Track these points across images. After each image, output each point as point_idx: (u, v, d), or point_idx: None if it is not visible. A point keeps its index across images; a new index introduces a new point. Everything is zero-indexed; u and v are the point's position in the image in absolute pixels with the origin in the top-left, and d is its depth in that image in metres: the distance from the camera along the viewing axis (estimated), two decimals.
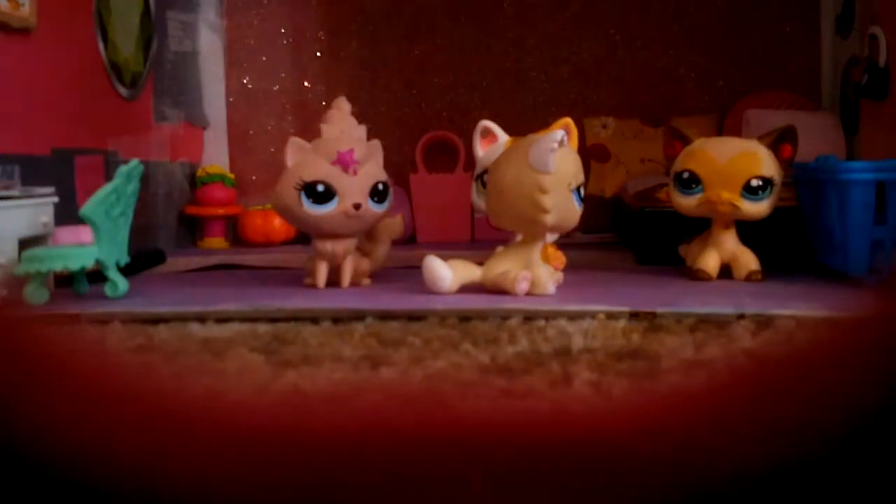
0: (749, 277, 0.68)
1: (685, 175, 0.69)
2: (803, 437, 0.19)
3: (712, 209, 0.68)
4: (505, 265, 0.61)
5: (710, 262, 0.69)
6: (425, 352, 0.45)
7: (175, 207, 1.03)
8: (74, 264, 0.61)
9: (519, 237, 0.64)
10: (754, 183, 0.67)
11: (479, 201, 0.70)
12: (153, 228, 0.97)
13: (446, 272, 0.60)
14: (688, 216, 0.71)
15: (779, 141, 0.69)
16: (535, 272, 0.61)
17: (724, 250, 0.70)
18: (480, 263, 0.62)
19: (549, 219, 0.59)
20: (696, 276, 0.69)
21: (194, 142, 1.11)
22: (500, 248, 0.62)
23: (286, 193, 0.66)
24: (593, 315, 0.54)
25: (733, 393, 0.20)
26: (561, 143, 0.58)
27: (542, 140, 0.57)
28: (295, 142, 0.67)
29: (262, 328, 0.53)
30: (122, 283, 0.63)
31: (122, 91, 0.91)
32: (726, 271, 0.70)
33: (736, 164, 0.67)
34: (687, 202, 0.70)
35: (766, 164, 0.67)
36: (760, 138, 0.70)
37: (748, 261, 0.69)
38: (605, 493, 0.18)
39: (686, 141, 0.71)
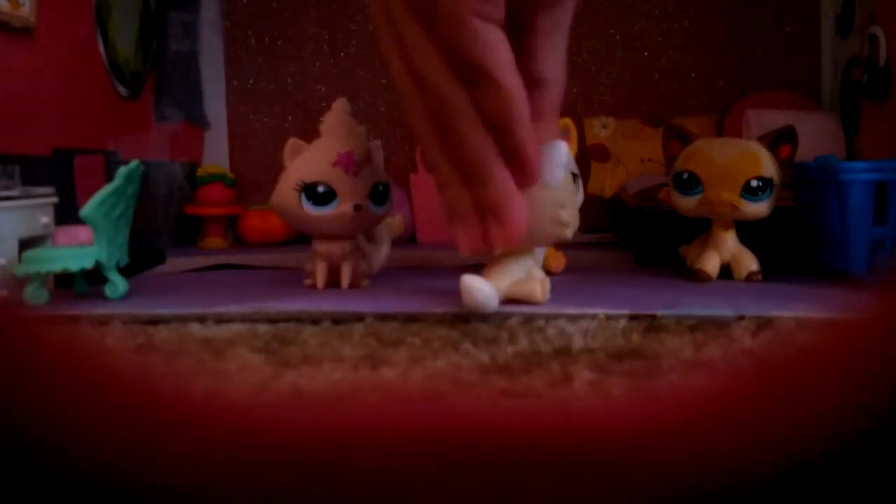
0: (749, 278, 0.68)
1: (685, 176, 0.69)
2: (803, 437, 0.19)
3: (712, 210, 0.68)
4: (511, 274, 0.58)
5: (710, 262, 0.69)
6: (425, 352, 0.45)
7: (175, 207, 1.03)
8: (74, 265, 0.61)
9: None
10: (754, 183, 0.67)
11: None
12: (153, 228, 0.97)
13: (491, 291, 0.54)
14: (688, 217, 0.71)
15: (778, 141, 0.69)
16: (536, 275, 0.60)
17: (724, 251, 0.70)
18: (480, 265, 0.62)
19: (570, 232, 0.58)
20: (697, 276, 0.69)
21: (194, 142, 1.11)
22: (497, 251, 0.62)
23: (286, 194, 0.66)
24: (593, 315, 0.54)
25: (734, 393, 0.20)
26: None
27: (549, 153, 0.55)
28: (294, 142, 0.67)
29: (262, 328, 0.53)
30: (121, 284, 0.63)
31: (122, 91, 0.91)
32: (726, 271, 0.70)
33: (736, 165, 0.67)
34: (686, 203, 0.70)
35: (765, 164, 0.67)
36: (760, 139, 0.70)
37: (748, 261, 0.69)
38: (605, 493, 0.18)
39: (686, 140, 0.71)
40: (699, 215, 0.70)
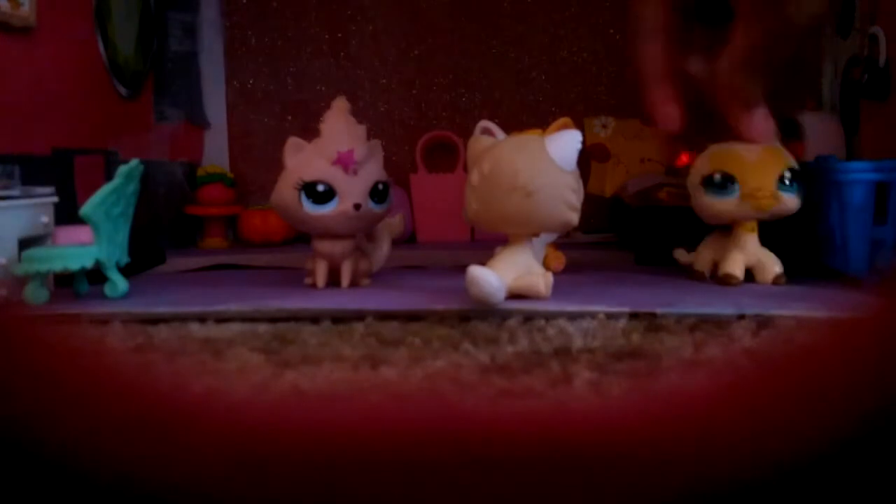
0: (776, 281, 0.66)
1: (717, 178, 0.66)
2: (803, 437, 0.19)
3: (756, 206, 0.65)
4: (514, 269, 0.59)
5: (737, 266, 0.67)
6: (425, 352, 0.45)
7: (175, 207, 1.03)
8: (74, 264, 0.61)
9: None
10: (787, 174, 0.65)
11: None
12: (153, 228, 0.97)
13: (498, 282, 0.54)
14: (718, 222, 0.69)
15: (785, 135, 0.68)
16: (537, 271, 0.60)
17: (749, 254, 0.68)
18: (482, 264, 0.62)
19: (577, 217, 0.58)
20: (725, 281, 0.67)
21: (194, 142, 1.11)
22: (498, 249, 0.62)
23: (286, 193, 0.66)
24: (593, 315, 0.54)
25: (733, 393, 0.20)
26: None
27: (567, 138, 0.57)
28: (294, 142, 0.67)
29: (262, 328, 0.53)
30: (122, 283, 0.63)
31: (122, 91, 0.91)
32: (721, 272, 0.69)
33: (766, 160, 0.65)
34: (723, 205, 0.66)
35: (789, 156, 0.66)
36: None
37: (771, 264, 0.67)
38: (604, 493, 0.18)
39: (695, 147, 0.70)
40: (737, 216, 0.67)
